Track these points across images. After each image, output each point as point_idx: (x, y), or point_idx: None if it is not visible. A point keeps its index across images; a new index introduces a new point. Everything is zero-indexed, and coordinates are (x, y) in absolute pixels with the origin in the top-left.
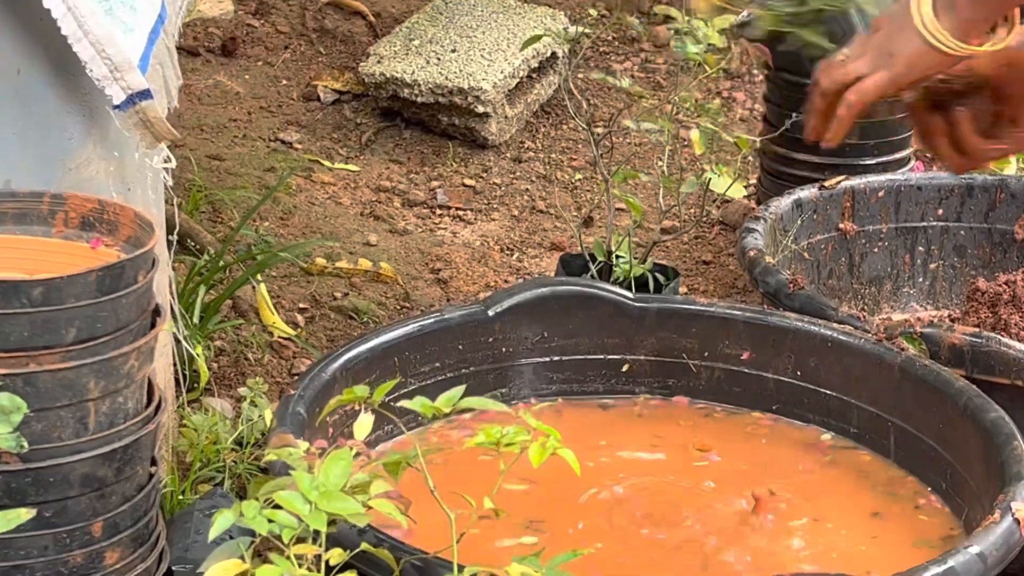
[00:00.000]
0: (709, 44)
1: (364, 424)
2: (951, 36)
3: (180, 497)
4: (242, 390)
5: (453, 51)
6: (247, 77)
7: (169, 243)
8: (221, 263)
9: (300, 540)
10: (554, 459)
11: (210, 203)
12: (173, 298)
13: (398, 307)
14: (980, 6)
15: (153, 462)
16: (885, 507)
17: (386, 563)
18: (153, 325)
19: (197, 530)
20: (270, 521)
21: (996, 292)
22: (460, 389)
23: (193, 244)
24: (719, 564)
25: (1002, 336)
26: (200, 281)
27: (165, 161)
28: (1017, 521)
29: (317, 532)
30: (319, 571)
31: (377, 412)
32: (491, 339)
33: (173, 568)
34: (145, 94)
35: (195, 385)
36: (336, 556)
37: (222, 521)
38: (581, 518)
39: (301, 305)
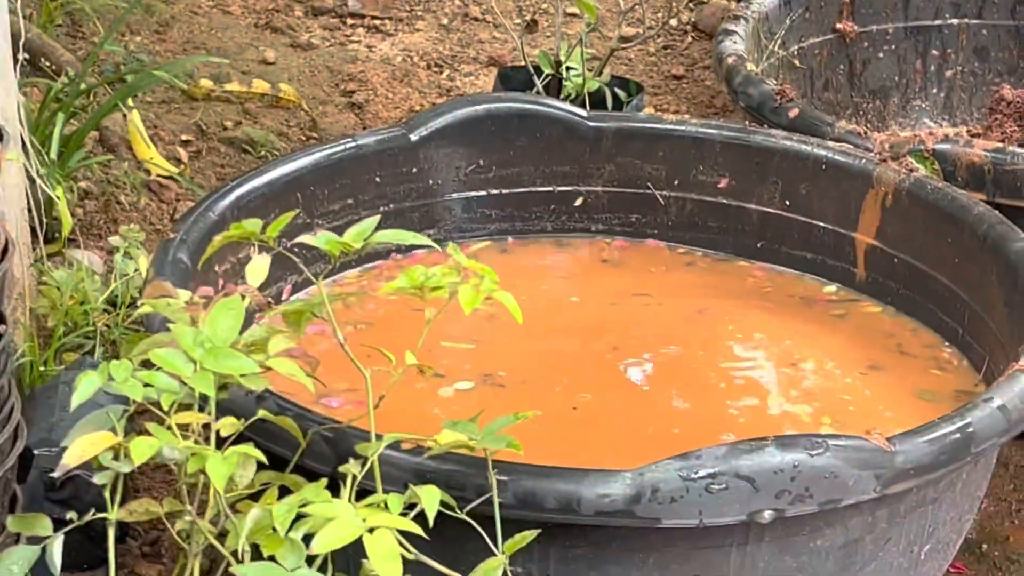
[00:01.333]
0: None
1: (258, 267)
2: None
3: (42, 369)
4: (113, 240)
5: None
6: None
7: (17, 61)
8: (83, 86)
9: (184, 408)
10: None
11: (68, 14)
12: (24, 128)
13: (303, 137)
14: None
15: (1, 319)
16: (888, 360)
17: (289, 435)
18: None
19: (62, 406)
20: (146, 385)
21: (1021, 100)
22: (374, 220)
23: (48, 64)
24: (688, 420)
25: None
26: (58, 108)
27: None
28: None
29: (205, 398)
30: (208, 444)
31: (277, 258)
32: (415, 169)
33: (34, 451)
34: None
35: (56, 235)
36: (228, 426)
37: (86, 385)
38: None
39: (184, 137)
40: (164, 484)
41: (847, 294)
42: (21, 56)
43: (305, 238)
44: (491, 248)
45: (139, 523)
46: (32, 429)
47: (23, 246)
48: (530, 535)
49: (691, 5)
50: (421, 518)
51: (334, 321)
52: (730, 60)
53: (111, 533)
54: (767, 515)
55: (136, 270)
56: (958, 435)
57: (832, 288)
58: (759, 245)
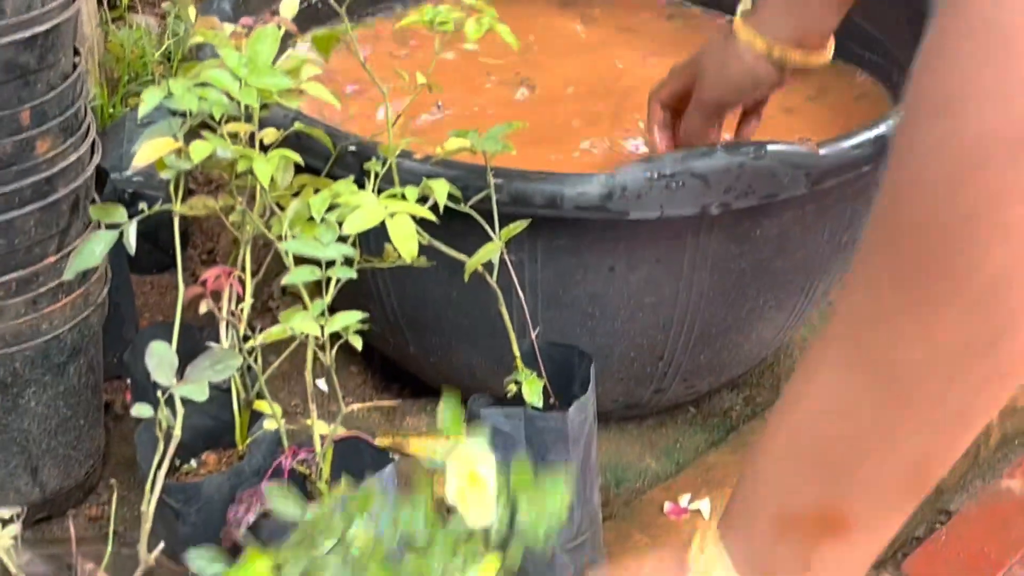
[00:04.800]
0: None
1: (289, 3)
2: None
3: (111, 111)
4: (165, 5)
5: None
6: None
7: None
8: None
9: (232, 119)
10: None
11: None
12: None
13: None
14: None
15: (76, 53)
16: (810, 97)
17: (321, 145)
18: None
19: (130, 139)
20: (201, 99)
21: None
22: None
23: None
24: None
25: None
26: None
27: None
28: None
29: (250, 110)
30: (256, 148)
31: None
32: None
33: (111, 176)
34: None
35: (118, 3)
36: (270, 135)
37: (150, 98)
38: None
39: None
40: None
41: None
42: None
43: None
44: None
45: (196, 236)
46: (105, 158)
47: (91, 9)
48: (522, 224)
49: None
50: (433, 209)
51: (356, 45)
52: None
53: (176, 223)
54: (715, 208)
55: (185, 30)
56: (874, 141)
57: None
58: None
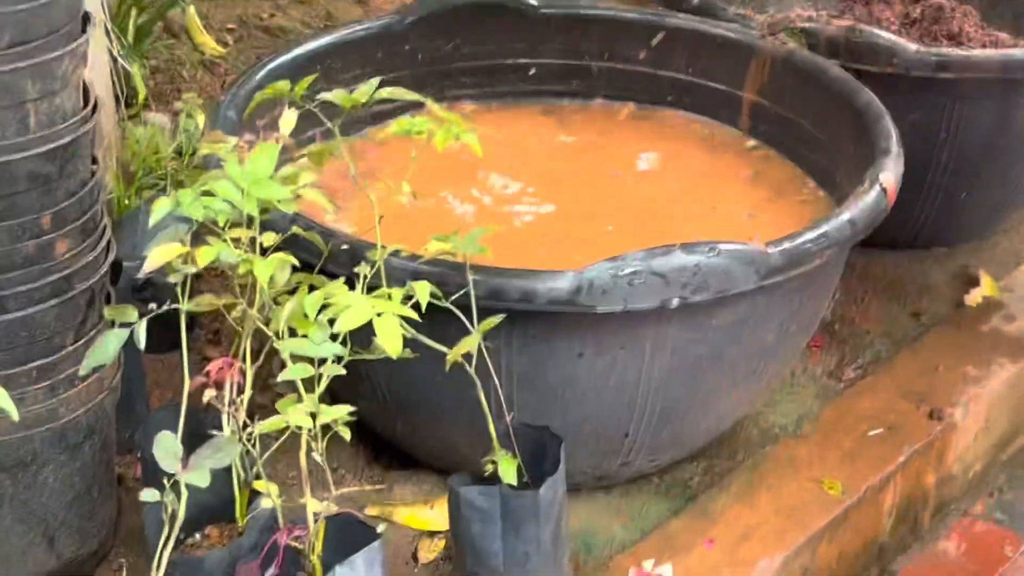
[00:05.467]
0: None
1: (288, 119)
2: None
3: (127, 202)
4: (178, 104)
5: None
6: None
7: None
8: None
9: (235, 225)
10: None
11: None
12: (107, 18)
13: (321, 25)
14: None
15: (94, 161)
16: (766, 202)
17: (316, 246)
18: (83, 30)
19: (143, 229)
20: (206, 208)
21: None
22: (376, 80)
23: None
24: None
25: (873, 29)
26: (132, 4)
27: None
28: (884, 190)
29: (251, 217)
30: (255, 252)
31: (304, 113)
32: (407, 47)
33: (124, 263)
34: None
35: (134, 102)
36: (269, 239)
37: (160, 207)
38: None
39: (229, 26)
40: (221, 288)
41: (736, 136)
42: None
43: (324, 95)
44: (479, 108)
45: (203, 315)
46: (120, 246)
47: (109, 109)
48: (498, 319)
49: None
50: (416, 308)
51: (348, 155)
52: None
53: (183, 320)
54: (675, 302)
55: (196, 127)
56: (818, 241)
57: (727, 131)
58: (670, 99)
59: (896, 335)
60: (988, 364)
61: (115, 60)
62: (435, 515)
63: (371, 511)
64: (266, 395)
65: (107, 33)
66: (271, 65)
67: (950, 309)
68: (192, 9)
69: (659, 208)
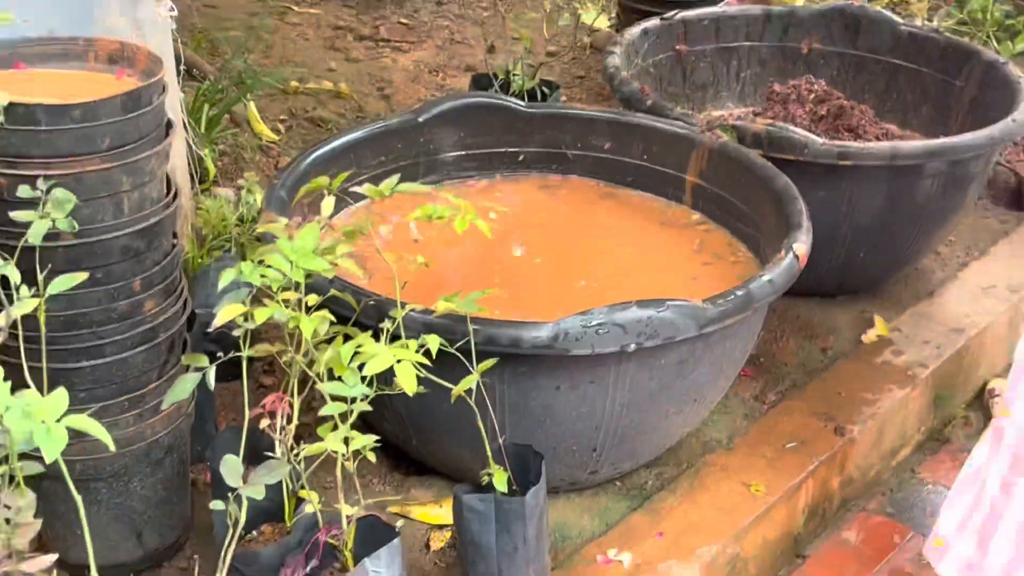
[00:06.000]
0: None
1: (328, 205)
2: None
3: (199, 261)
4: (240, 181)
5: None
6: None
7: (179, 72)
8: (220, 87)
9: (285, 289)
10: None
11: (209, 41)
12: (184, 114)
13: (353, 117)
14: None
15: (174, 235)
16: (706, 265)
17: (350, 304)
18: (167, 134)
19: (213, 284)
20: (263, 276)
21: (786, 93)
22: (396, 177)
23: (198, 73)
24: (586, 292)
25: (789, 126)
26: (204, 101)
27: (169, 11)
28: (797, 257)
29: (298, 283)
30: (300, 310)
31: (338, 196)
32: (422, 139)
33: (196, 311)
34: None
35: (205, 179)
36: (312, 300)
37: (227, 277)
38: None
39: (281, 117)
40: (275, 335)
41: (683, 211)
42: (181, 68)
43: (357, 188)
44: (482, 183)
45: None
46: (194, 299)
47: (185, 187)
48: (492, 361)
49: (589, 33)
50: (427, 354)
51: (374, 235)
52: (611, 69)
53: (244, 364)
54: (632, 347)
55: (254, 200)
56: (744, 297)
57: (675, 207)
58: (630, 180)
59: (808, 366)
60: (881, 389)
61: (190, 146)
62: (443, 512)
63: (392, 509)
64: (309, 415)
65: (184, 126)
66: (314, 154)
67: (851, 346)
68: (252, 104)
69: (621, 269)
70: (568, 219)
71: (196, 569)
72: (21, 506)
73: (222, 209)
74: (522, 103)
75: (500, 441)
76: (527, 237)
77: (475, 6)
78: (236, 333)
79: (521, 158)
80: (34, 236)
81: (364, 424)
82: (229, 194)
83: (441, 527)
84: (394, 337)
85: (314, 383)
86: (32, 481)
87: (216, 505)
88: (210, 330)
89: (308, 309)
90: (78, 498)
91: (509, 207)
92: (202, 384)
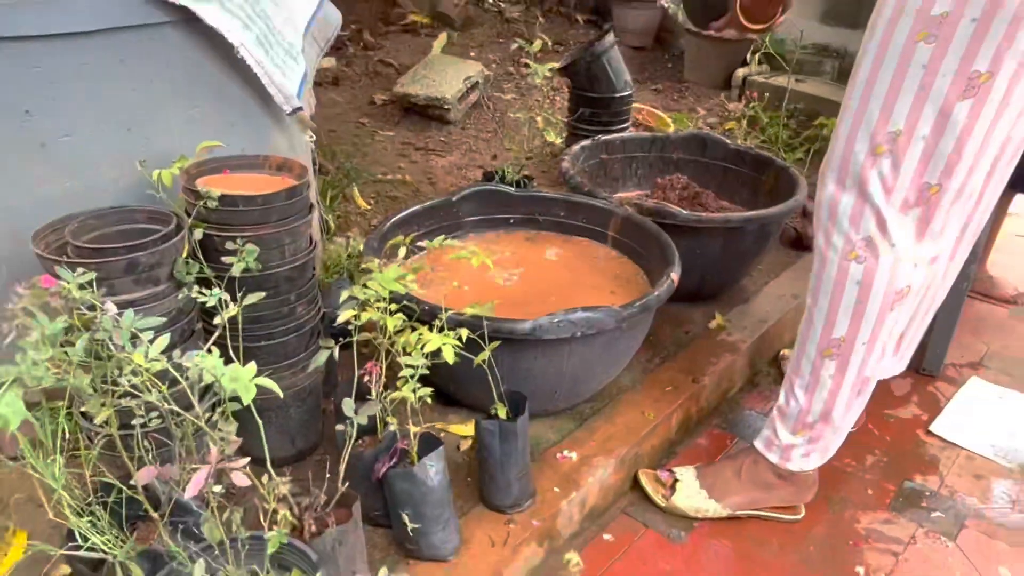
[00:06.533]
0: (545, 75)
1: (401, 251)
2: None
3: (327, 280)
4: (349, 234)
5: (433, 81)
6: (343, 94)
7: (314, 171)
8: (337, 178)
9: (378, 301)
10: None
11: (331, 151)
12: (317, 194)
13: (414, 196)
14: None
15: (313, 268)
16: (621, 285)
17: (415, 310)
18: (309, 212)
19: (335, 295)
20: (365, 293)
21: (665, 183)
22: (442, 236)
23: (324, 170)
24: (554, 302)
25: (666, 203)
26: (328, 187)
27: (310, 138)
28: (673, 280)
29: (384, 297)
30: (386, 314)
31: (408, 248)
32: (454, 210)
33: (326, 312)
34: (300, 108)
35: (329, 232)
36: (393, 307)
37: (344, 294)
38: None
39: (372, 196)
40: (372, 328)
41: (608, 251)
42: (315, 168)
43: (420, 243)
44: (490, 235)
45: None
46: (326, 304)
47: (318, 238)
48: (497, 343)
49: (551, 147)
50: (460, 339)
51: (428, 268)
52: (564, 168)
53: (354, 345)
54: (578, 334)
55: (358, 247)
56: (643, 305)
57: (605, 248)
58: (579, 234)
59: (678, 342)
60: (719, 355)
61: (320, 215)
62: (468, 428)
63: (439, 426)
64: (391, 377)
65: (317, 202)
66: (392, 220)
67: (702, 330)
68: (356, 188)
69: (572, 287)
70: (540, 258)
71: (328, 463)
72: (230, 430)
73: (339, 251)
74: (512, 189)
75: (501, 389)
76: (520, 267)
77: (484, 131)
78: (349, 327)
79: (511, 221)
80: (235, 271)
81: (423, 380)
82: (342, 242)
83: (466, 437)
84: (440, 329)
85: (394, 357)
86: (234, 413)
87: (339, 427)
88: (335, 325)
89: (391, 313)
90: (259, 422)
91: (508, 250)
92: (329, 356)
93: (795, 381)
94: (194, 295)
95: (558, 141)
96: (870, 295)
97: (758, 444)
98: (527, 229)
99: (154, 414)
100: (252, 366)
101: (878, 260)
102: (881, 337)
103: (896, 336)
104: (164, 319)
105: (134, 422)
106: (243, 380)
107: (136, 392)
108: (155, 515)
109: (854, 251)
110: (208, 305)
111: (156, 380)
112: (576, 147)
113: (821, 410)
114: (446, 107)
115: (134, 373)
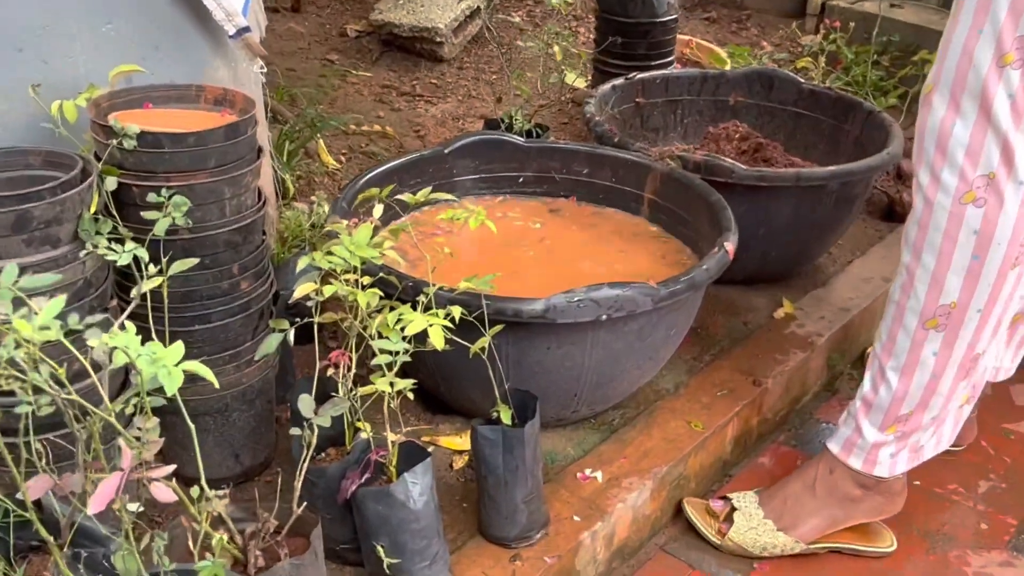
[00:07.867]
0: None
1: (377, 210)
2: None
3: (282, 255)
4: (312, 198)
5: (422, 6)
6: (306, 24)
7: (267, 116)
8: (297, 128)
9: (346, 272)
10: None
11: (289, 95)
12: (271, 147)
13: (398, 152)
14: None
15: (263, 233)
16: (657, 253)
17: (394, 283)
18: (258, 157)
19: (292, 272)
20: (329, 261)
21: (718, 134)
22: (428, 188)
23: (280, 118)
24: (571, 275)
25: (720, 156)
26: (285, 138)
27: (260, 69)
28: (726, 251)
29: (355, 267)
30: (357, 287)
31: (385, 204)
32: (447, 166)
33: (280, 292)
34: (247, 29)
35: (286, 196)
36: (367, 280)
37: (303, 262)
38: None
39: (342, 151)
40: (338, 307)
41: (642, 222)
42: (268, 113)
43: (398, 197)
44: (496, 199)
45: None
46: (278, 282)
47: (272, 201)
48: (499, 327)
49: (571, 91)
50: (452, 321)
51: (411, 232)
52: (588, 114)
53: (315, 327)
54: (604, 317)
55: (323, 212)
56: (687, 281)
57: (638, 220)
58: (601, 197)
59: (733, 335)
60: (788, 352)
61: (275, 171)
62: (463, 441)
63: (425, 438)
64: (363, 369)
65: (271, 155)
66: (367, 176)
67: (765, 320)
68: (320, 141)
69: (599, 261)
70: (566, 223)
71: (279, 481)
72: (148, 428)
73: (299, 218)
74: (521, 139)
75: (505, 387)
76: (534, 236)
77: (487, 70)
78: (309, 304)
79: (521, 180)
80: (159, 230)
81: (404, 375)
82: (304, 207)
83: (461, 452)
84: (427, 308)
85: (367, 343)
86: (156, 413)
87: (295, 431)
88: (290, 303)
89: (363, 287)
90: (191, 427)
91: (522, 215)
92: (284, 344)
93: (886, 362)
94: (101, 251)
95: (582, 84)
96: (990, 248)
97: (833, 447)
98: (541, 190)
99: (45, 400)
100: (179, 346)
101: (1002, 203)
102: (999, 303)
103: (1012, 310)
104: (60, 277)
105: (18, 409)
106: (167, 363)
107: (19, 374)
108: (51, 541)
109: (971, 191)
110: (120, 264)
111: (45, 357)
112: (605, 87)
113: (920, 398)
114: (438, 40)
115: (17, 345)
